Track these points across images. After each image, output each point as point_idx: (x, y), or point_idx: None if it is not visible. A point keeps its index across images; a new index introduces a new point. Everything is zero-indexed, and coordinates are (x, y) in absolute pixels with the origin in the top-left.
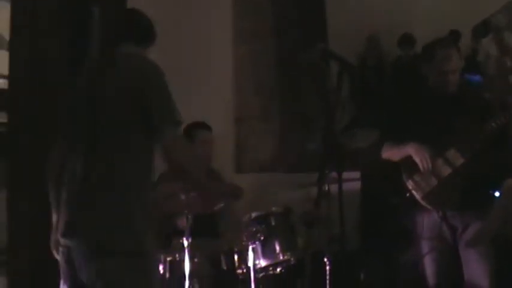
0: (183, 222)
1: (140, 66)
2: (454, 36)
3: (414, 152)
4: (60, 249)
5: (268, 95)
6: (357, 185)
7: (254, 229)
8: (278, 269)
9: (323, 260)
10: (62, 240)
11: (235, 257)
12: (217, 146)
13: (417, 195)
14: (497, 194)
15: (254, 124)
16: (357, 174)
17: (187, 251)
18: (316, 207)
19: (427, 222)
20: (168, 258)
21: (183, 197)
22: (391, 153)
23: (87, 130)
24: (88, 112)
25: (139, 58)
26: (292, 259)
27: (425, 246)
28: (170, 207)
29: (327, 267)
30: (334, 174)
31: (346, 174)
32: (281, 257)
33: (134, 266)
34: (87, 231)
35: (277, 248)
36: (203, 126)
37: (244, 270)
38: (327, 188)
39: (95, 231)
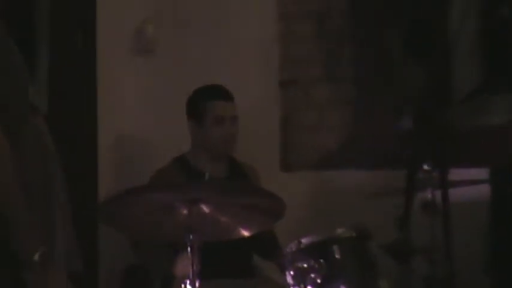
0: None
1: None
2: None
3: None
4: None
5: (333, 42)
6: (485, 190)
7: (305, 265)
8: None
9: None
10: None
11: None
12: (249, 129)
13: None
14: None
15: (311, 91)
16: (483, 173)
17: None
18: (401, 228)
19: None
20: None
21: (185, 211)
22: None
23: None
24: None
25: None
26: None
27: None
28: (163, 231)
29: None
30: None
31: (462, 173)
32: None
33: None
34: None
35: None
36: (217, 94)
37: None
38: (430, 196)
39: None
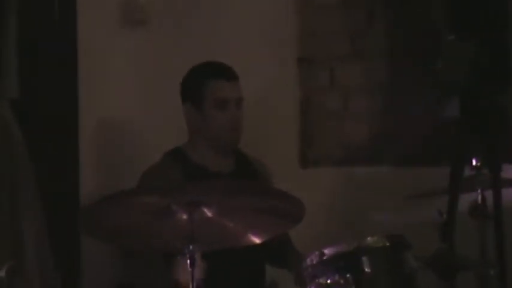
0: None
1: None
2: None
3: None
4: None
5: (362, 11)
6: None
7: (329, 280)
8: None
9: None
10: None
11: None
12: (261, 116)
13: None
14: None
15: (335, 71)
16: None
17: None
18: (445, 237)
19: None
20: None
21: (183, 216)
22: None
23: None
24: None
25: None
26: None
27: None
28: (159, 240)
29: None
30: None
31: None
32: None
33: None
34: None
35: None
36: (218, 72)
37: None
38: (479, 198)
39: None
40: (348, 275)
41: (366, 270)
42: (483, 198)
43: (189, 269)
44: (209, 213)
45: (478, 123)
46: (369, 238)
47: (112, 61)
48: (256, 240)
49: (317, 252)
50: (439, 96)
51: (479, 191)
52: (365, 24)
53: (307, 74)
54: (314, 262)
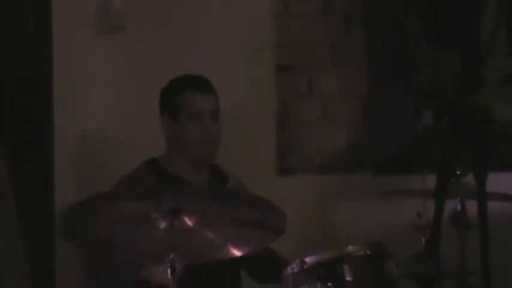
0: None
1: None
2: None
3: None
4: None
5: (341, 19)
6: None
7: None
8: None
9: None
10: None
11: None
12: (238, 124)
13: None
14: None
15: (313, 78)
16: None
17: None
18: (431, 247)
19: None
20: None
21: (162, 224)
22: None
23: None
24: None
25: None
26: None
27: None
28: (132, 252)
29: None
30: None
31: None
32: None
33: None
34: None
35: None
36: (192, 84)
37: None
38: (459, 207)
39: None
40: (329, 284)
41: (347, 278)
42: (463, 207)
43: (170, 277)
44: (189, 223)
45: (464, 130)
46: (349, 246)
47: (88, 69)
48: (237, 253)
49: (298, 261)
50: (418, 104)
51: (459, 199)
52: (343, 32)
53: (284, 82)
54: (295, 271)
